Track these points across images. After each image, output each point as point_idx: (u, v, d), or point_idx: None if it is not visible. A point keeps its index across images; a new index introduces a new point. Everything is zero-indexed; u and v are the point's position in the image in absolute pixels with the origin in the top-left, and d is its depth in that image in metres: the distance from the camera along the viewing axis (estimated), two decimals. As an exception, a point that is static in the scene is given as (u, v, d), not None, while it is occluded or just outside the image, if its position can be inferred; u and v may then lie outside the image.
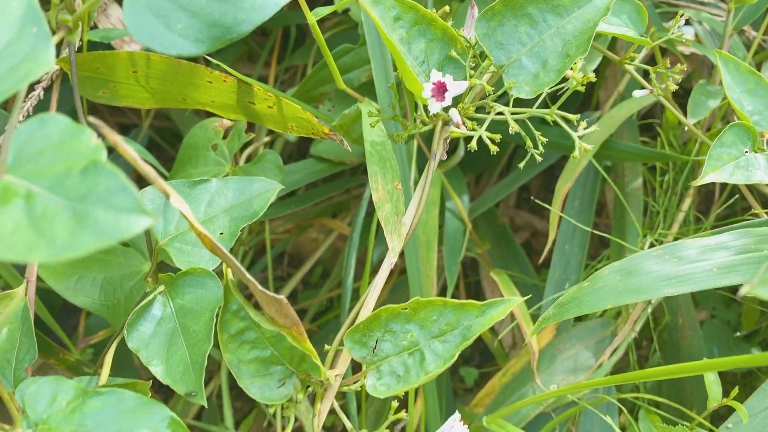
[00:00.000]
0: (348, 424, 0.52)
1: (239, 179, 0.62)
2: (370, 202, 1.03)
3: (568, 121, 0.57)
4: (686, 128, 0.99)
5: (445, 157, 0.58)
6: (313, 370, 0.51)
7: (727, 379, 1.10)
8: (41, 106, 0.75)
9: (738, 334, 1.15)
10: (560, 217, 0.96)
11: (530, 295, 0.68)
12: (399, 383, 0.51)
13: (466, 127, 0.56)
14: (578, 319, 0.93)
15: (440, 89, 0.54)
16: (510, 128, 0.54)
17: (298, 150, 1.15)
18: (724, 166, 0.61)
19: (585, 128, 0.55)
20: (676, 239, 0.90)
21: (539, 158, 0.59)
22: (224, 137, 0.81)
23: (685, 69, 0.69)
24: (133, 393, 0.46)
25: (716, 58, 0.69)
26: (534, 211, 1.47)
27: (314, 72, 0.94)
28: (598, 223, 1.26)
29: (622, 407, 0.82)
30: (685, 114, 0.93)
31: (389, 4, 0.55)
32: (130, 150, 0.38)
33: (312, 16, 0.64)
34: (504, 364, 1.09)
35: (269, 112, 0.68)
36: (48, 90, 0.78)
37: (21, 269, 0.79)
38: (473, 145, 0.54)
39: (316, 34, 0.66)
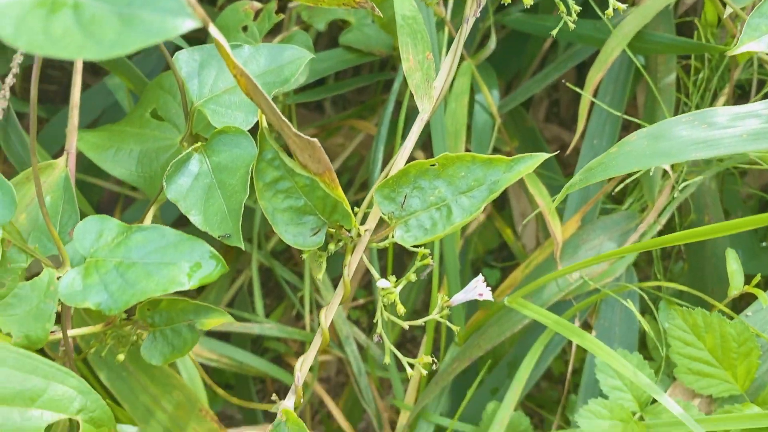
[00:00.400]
0: (375, 275, 0.54)
1: (271, 46, 0.62)
2: (398, 101, 1.03)
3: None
4: (725, 24, 0.96)
5: (478, 14, 0.58)
6: (344, 219, 0.53)
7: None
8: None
9: (764, 244, 1.15)
10: (590, 111, 0.95)
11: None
12: (426, 235, 0.53)
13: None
14: (603, 212, 0.93)
15: (475, -56, 0.53)
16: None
17: (328, 42, 1.15)
18: (762, 36, 0.60)
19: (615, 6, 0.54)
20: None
21: (572, 25, 0.58)
22: (254, 19, 0.81)
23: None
24: (174, 230, 0.49)
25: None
26: (563, 125, 1.45)
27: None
28: (627, 126, 1.25)
29: (644, 295, 0.83)
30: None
31: None
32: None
33: None
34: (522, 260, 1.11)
35: (301, -16, 0.68)
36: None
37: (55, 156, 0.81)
38: (507, -1, 0.53)
39: None
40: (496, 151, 1.04)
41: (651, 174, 0.89)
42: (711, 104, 0.94)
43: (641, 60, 0.97)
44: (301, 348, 1.15)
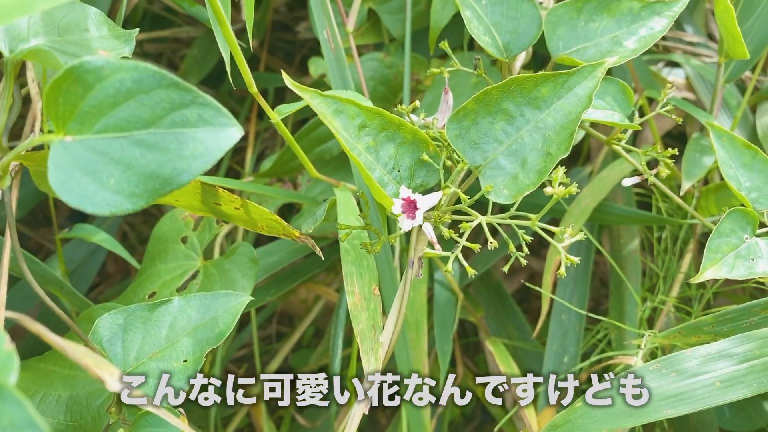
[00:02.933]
0: None
1: (202, 296, 0.58)
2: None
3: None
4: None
5: (420, 275, 0.54)
6: None
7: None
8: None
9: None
10: (555, 281, 0.92)
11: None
12: None
13: (443, 236, 0.52)
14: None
15: (411, 205, 0.49)
16: (489, 243, 0.50)
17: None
18: (724, 258, 0.57)
19: (572, 236, 0.51)
20: (676, 308, 0.86)
21: (524, 261, 0.55)
22: (195, 228, 0.77)
23: (679, 121, 0.65)
24: None
25: (709, 130, 0.65)
26: (531, 251, 1.42)
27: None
28: (597, 269, 1.22)
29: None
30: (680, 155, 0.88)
31: (353, 112, 0.51)
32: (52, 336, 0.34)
33: (275, 115, 0.60)
34: (507, 430, 1.05)
35: (237, 213, 0.64)
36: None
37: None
38: (449, 268, 0.49)
39: (282, 132, 0.62)
40: (462, 323, 0.99)
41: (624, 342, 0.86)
42: (677, 265, 0.91)
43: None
44: None
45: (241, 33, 1.14)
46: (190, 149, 0.39)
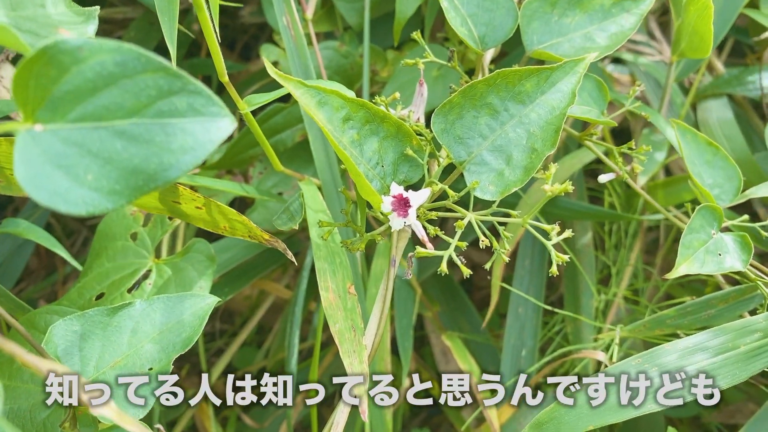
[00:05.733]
0: None
1: (166, 298, 0.53)
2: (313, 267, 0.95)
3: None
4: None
5: (409, 275, 0.52)
6: None
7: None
8: None
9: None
10: (512, 276, 0.92)
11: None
12: None
13: (428, 232, 0.51)
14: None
15: (401, 202, 0.47)
16: (480, 242, 0.49)
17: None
18: (695, 254, 0.58)
19: (559, 233, 0.51)
20: (625, 299, 0.88)
21: (506, 258, 0.54)
22: (145, 224, 0.71)
23: (648, 118, 0.66)
24: None
25: (674, 128, 0.66)
26: (472, 243, 1.43)
27: (242, 135, 0.86)
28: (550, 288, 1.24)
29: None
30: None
31: (337, 104, 0.48)
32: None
33: (245, 104, 0.56)
34: (455, 422, 1.05)
35: (198, 213, 0.60)
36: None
37: None
38: (443, 268, 0.48)
39: (251, 123, 0.59)
40: (419, 317, 0.98)
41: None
42: (627, 259, 0.94)
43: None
44: None
45: (181, 17, 1.08)
46: (178, 142, 0.35)
